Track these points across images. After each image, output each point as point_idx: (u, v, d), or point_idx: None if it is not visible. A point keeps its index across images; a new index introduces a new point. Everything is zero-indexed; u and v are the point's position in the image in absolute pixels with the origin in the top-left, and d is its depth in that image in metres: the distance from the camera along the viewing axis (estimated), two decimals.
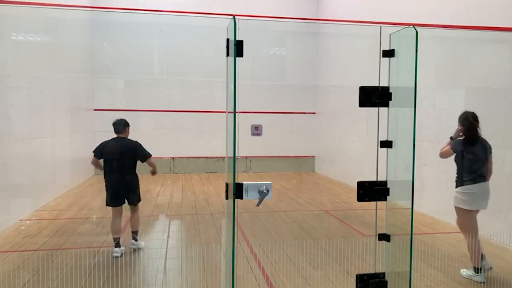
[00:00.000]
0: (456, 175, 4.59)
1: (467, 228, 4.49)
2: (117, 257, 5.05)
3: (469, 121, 4.45)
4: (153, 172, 5.57)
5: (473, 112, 4.52)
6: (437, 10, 7.22)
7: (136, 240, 5.39)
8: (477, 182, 4.40)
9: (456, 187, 4.55)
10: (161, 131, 12.49)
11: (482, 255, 4.45)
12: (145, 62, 12.89)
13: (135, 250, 5.35)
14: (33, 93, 7.92)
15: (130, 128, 5.53)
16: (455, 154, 4.53)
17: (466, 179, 4.43)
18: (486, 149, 4.48)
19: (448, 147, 4.58)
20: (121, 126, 5.39)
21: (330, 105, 12.68)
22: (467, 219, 4.48)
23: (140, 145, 5.41)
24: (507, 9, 5.72)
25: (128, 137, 5.46)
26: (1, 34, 6.64)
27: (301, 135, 13.59)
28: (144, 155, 5.37)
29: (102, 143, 5.41)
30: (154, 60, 13.13)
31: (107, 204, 5.34)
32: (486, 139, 4.54)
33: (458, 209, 4.54)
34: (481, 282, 4.36)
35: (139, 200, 5.52)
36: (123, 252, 5.19)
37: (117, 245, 5.14)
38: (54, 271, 4.55)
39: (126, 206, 5.43)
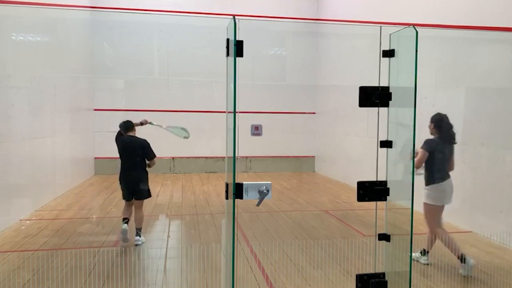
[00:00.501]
0: (425, 174, 4.78)
1: (435, 223, 4.80)
2: (125, 230, 5.36)
3: (446, 122, 4.75)
4: (149, 166, 5.76)
5: (446, 114, 4.83)
6: (437, 10, 7.23)
7: (140, 236, 5.57)
8: (446, 179, 4.73)
9: (427, 184, 4.79)
10: (161, 131, 12.46)
11: (427, 251, 4.89)
12: (145, 62, 12.89)
13: (136, 246, 5.38)
14: (33, 93, 7.91)
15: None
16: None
17: (437, 177, 4.71)
18: (451, 148, 4.80)
19: (421, 151, 4.71)
20: (123, 127, 5.75)
21: (330, 105, 12.68)
22: (437, 215, 4.80)
23: (148, 144, 5.70)
24: (507, 9, 5.72)
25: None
26: (1, 34, 6.64)
27: (301, 135, 13.58)
28: (149, 155, 5.67)
29: (117, 133, 5.80)
30: (154, 60, 13.13)
31: (123, 198, 5.71)
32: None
33: (429, 206, 4.81)
34: (467, 275, 4.50)
35: (148, 196, 5.71)
36: (127, 230, 5.43)
37: (125, 222, 5.46)
38: (54, 271, 4.55)
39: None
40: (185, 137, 6.17)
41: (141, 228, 5.62)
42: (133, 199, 5.62)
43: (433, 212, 4.78)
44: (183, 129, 6.22)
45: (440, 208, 4.79)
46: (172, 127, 6.20)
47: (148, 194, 5.69)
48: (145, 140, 5.69)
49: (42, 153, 8.17)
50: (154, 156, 5.68)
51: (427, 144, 4.72)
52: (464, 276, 4.50)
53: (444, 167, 4.75)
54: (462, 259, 4.53)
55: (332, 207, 8.28)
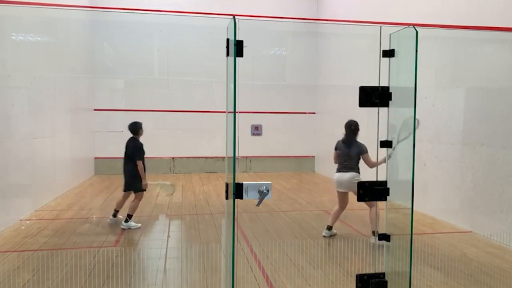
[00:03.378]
0: None
1: (337, 201, 5.93)
2: (109, 223, 6.57)
3: (350, 127, 5.78)
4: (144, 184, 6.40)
5: (355, 121, 5.85)
6: (437, 10, 7.23)
7: (126, 222, 6.34)
8: (341, 171, 5.79)
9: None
10: (161, 131, 12.48)
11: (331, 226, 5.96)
12: (145, 62, 12.88)
13: (133, 251, 5.38)
14: (33, 93, 7.91)
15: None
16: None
17: (337, 168, 5.88)
18: (359, 149, 5.70)
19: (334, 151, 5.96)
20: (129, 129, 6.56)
21: (330, 105, 12.67)
22: (338, 196, 5.90)
23: (138, 147, 6.36)
24: (507, 9, 5.72)
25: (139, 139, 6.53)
26: (1, 34, 6.64)
27: (301, 135, 13.58)
28: (133, 157, 6.33)
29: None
30: (154, 60, 13.12)
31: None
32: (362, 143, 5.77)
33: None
34: (324, 236, 5.89)
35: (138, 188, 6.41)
36: (113, 222, 6.55)
37: (114, 215, 6.59)
38: (54, 271, 4.55)
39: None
40: (168, 194, 6.85)
41: (130, 215, 6.38)
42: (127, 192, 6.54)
43: (337, 194, 5.92)
44: (171, 185, 7.00)
45: (338, 192, 5.87)
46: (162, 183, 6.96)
47: (137, 188, 6.44)
48: (138, 143, 6.43)
49: (42, 153, 8.17)
50: (139, 159, 6.28)
51: (336, 145, 5.93)
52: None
53: (341, 161, 5.81)
54: (329, 227, 5.91)
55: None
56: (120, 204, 6.60)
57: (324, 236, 5.93)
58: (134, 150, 6.32)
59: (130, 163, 6.35)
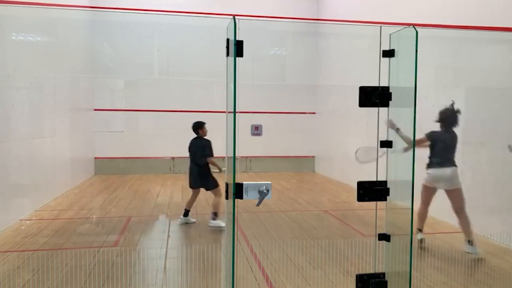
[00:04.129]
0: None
1: (422, 200, 5.47)
2: (180, 223, 6.56)
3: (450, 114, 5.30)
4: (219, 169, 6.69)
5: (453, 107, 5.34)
6: (437, 10, 7.23)
7: (214, 219, 6.42)
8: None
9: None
10: (161, 131, 12.47)
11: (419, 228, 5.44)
12: (145, 62, 12.88)
13: (133, 251, 5.39)
14: (33, 93, 7.91)
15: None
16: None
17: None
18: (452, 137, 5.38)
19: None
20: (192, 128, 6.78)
21: (330, 105, 12.67)
22: (424, 193, 5.48)
23: (203, 145, 6.60)
24: (507, 9, 5.72)
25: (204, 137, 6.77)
26: (1, 34, 6.64)
27: (301, 135, 13.58)
28: (201, 155, 6.56)
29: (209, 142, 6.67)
30: (154, 60, 13.12)
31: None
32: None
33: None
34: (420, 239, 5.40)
35: (211, 186, 6.62)
36: (183, 222, 6.56)
37: (185, 215, 6.56)
38: (54, 271, 4.55)
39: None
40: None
41: (215, 212, 6.45)
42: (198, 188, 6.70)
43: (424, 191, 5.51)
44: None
45: (429, 189, 5.48)
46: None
47: (211, 184, 6.61)
48: (207, 141, 6.67)
49: (42, 153, 8.17)
50: (210, 155, 6.60)
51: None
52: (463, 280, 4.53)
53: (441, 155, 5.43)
54: (419, 230, 5.42)
55: (332, 207, 8.27)
56: (191, 202, 6.64)
57: (419, 239, 5.44)
58: (198, 149, 6.57)
59: (194, 162, 6.61)
